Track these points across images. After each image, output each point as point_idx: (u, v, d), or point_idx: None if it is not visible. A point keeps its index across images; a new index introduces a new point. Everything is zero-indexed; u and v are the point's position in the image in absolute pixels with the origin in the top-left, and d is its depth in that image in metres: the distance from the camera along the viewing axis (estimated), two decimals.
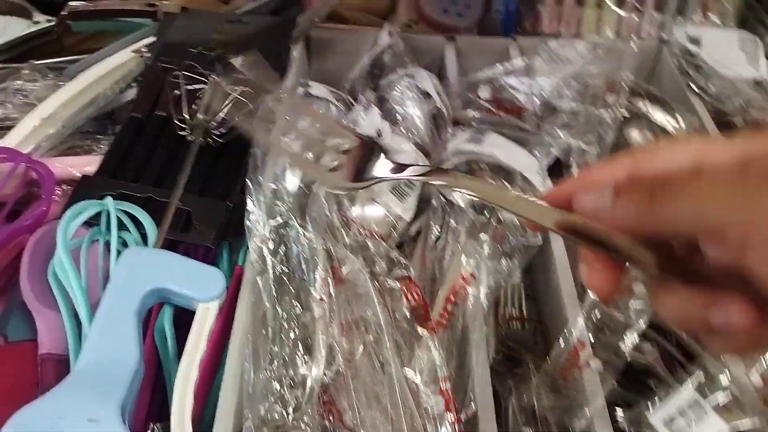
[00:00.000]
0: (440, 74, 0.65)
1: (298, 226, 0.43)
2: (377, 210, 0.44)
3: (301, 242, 0.42)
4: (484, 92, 0.49)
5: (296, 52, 0.60)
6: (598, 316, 0.39)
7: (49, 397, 0.34)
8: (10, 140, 0.51)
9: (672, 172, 0.20)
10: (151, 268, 0.40)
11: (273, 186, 0.46)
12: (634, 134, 0.47)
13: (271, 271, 0.40)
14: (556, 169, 0.47)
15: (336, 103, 0.51)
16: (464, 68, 0.62)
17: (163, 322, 0.42)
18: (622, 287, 0.23)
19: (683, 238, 0.21)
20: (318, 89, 0.52)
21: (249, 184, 0.44)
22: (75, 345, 0.42)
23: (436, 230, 0.45)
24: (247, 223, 0.42)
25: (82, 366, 0.36)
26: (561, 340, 0.39)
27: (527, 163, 0.44)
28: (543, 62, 0.52)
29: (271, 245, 0.41)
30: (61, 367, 0.42)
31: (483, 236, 0.42)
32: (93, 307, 0.44)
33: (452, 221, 0.44)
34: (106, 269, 0.46)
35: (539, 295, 0.47)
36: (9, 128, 0.56)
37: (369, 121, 0.45)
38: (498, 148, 0.44)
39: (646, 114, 0.47)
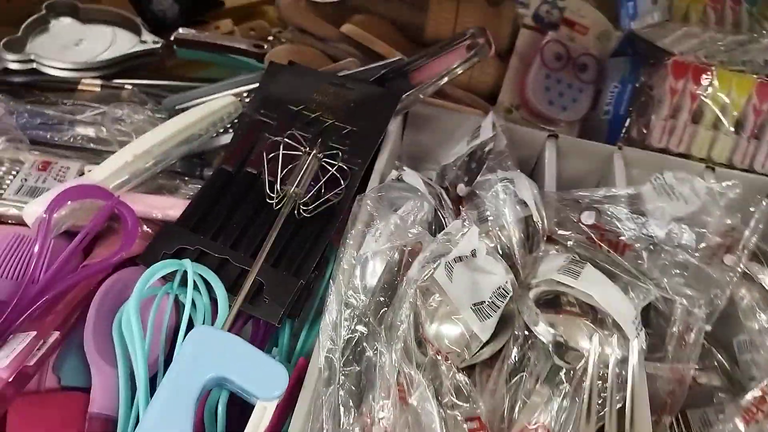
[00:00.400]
0: (534, 169, 0.63)
1: (370, 332, 0.41)
2: (454, 328, 0.42)
3: (371, 352, 0.40)
4: (589, 219, 0.46)
5: (393, 125, 0.58)
6: None
7: None
8: (101, 173, 0.51)
9: None
10: (217, 354, 0.38)
11: (356, 273, 0.44)
12: (744, 297, 0.44)
13: (336, 384, 0.38)
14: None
15: (429, 197, 0.49)
16: (562, 169, 0.59)
17: (217, 404, 0.41)
18: None
19: None
20: (412, 178, 0.50)
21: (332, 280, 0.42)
22: (126, 410, 0.41)
23: (512, 358, 0.42)
24: (324, 322, 0.41)
25: None
26: None
27: (623, 311, 0.41)
28: (653, 192, 0.49)
29: (341, 354, 0.40)
30: (108, 428, 0.41)
31: (563, 386, 0.39)
32: (151, 366, 0.43)
33: (532, 357, 0.41)
34: (171, 326, 0.46)
35: None
36: (100, 152, 0.57)
37: (467, 240, 0.43)
38: (596, 286, 0.41)
39: (760, 281, 0.43)
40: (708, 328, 0.43)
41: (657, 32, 0.64)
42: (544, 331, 0.41)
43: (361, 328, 0.41)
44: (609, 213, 0.47)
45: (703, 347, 0.45)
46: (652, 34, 0.64)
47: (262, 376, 0.38)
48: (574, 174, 0.61)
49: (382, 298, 0.43)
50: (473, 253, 0.42)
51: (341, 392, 0.40)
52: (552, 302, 0.44)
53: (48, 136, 0.57)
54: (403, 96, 0.57)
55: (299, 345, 0.48)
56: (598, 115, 0.67)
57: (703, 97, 0.61)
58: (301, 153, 0.50)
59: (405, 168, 0.52)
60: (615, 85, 0.66)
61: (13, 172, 0.52)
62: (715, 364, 0.46)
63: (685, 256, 0.43)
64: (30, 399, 0.41)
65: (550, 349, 0.41)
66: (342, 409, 0.38)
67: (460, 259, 0.43)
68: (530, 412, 0.40)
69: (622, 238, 0.46)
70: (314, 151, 0.50)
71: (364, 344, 0.42)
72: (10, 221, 0.50)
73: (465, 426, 0.37)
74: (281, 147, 0.49)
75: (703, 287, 0.43)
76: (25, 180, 0.52)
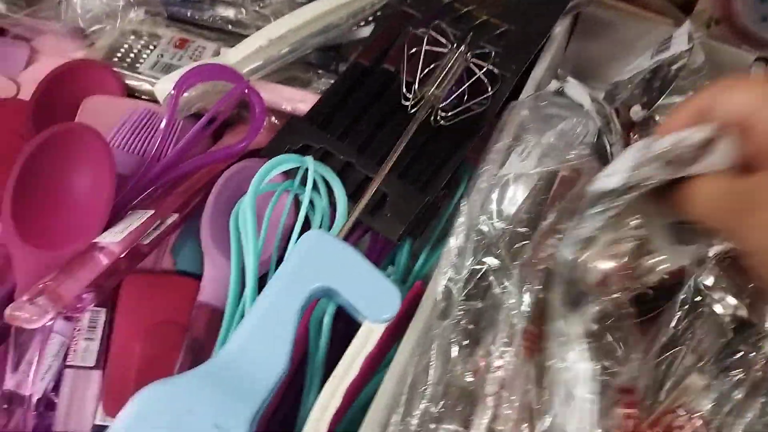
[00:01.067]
0: None
1: (502, 266, 0.35)
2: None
3: (499, 289, 0.34)
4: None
5: (560, 28, 0.49)
6: None
7: (184, 382, 0.31)
8: (234, 56, 0.48)
9: None
10: (329, 263, 0.35)
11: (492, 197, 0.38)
12: None
13: (453, 318, 0.33)
14: None
15: (596, 117, 0.40)
16: None
17: (323, 317, 0.38)
18: None
19: None
20: (577, 91, 0.41)
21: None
22: (233, 304, 0.40)
23: (673, 324, 0.34)
24: (448, 247, 0.35)
25: (228, 354, 0.32)
26: None
27: None
28: None
29: (463, 286, 0.34)
30: (214, 318, 0.40)
31: (736, 372, 0.31)
32: (263, 264, 0.41)
33: (698, 330, 0.33)
34: (289, 224, 0.43)
35: None
36: (238, 35, 0.54)
37: None
38: None
39: None
40: None
41: None
42: (724, 302, 0.33)
43: (490, 260, 0.35)
44: None
45: None
46: None
47: (373, 295, 0.34)
48: None
49: (521, 229, 0.36)
50: None
51: (457, 328, 0.35)
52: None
53: (189, 14, 0.55)
54: None
55: (417, 266, 0.44)
56: None
57: None
58: (445, 51, 0.43)
59: (569, 78, 0.43)
60: None
61: (151, 47, 0.51)
62: None
63: None
64: (143, 277, 0.41)
65: (726, 325, 0.32)
66: (456, 348, 0.34)
67: None
68: (685, 395, 0.32)
69: None
70: (461, 50, 0.43)
71: (491, 279, 0.36)
72: (144, 96, 0.49)
73: (617, 399, 0.30)
74: (424, 42, 0.42)
75: None
76: (161, 56, 0.50)
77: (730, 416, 0.31)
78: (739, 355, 0.32)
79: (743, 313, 0.32)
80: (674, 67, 0.44)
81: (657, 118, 0.42)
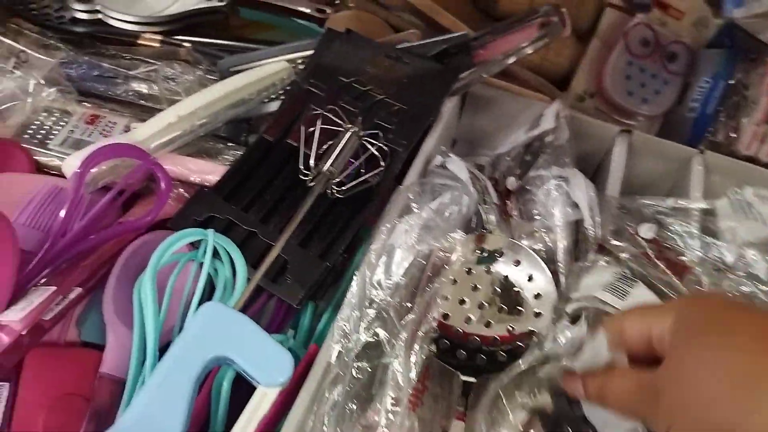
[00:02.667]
0: (599, 167, 0.57)
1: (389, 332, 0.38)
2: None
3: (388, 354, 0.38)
4: (648, 232, 0.41)
5: (449, 105, 0.54)
6: None
7: None
8: (143, 132, 0.50)
9: None
10: (224, 333, 0.37)
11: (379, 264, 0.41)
12: None
13: (345, 382, 0.36)
14: None
15: (471, 190, 0.45)
16: (631, 169, 0.54)
17: (222, 381, 0.40)
18: None
19: None
20: (456, 166, 0.46)
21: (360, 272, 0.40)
22: (135, 375, 0.41)
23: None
24: (340, 314, 0.39)
25: (127, 422, 0.34)
26: None
27: None
28: (729, 209, 0.43)
29: (354, 351, 0.37)
30: (116, 388, 0.41)
31: None
32: (167, 333, 0.43)
33: None
34: (193, 293, 0.45)
35: None
36: (150, 109, 0.57)
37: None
38: None
39: None
40: None
41: (762, 24, 0.56)
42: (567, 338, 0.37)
43: (380, 330, 0.38)
44: (673, 228, 0.42)
45: None
46: (756, 26, 0.56)
47: (266, 362, 0.37)
48: (645, 176, 0.55)
49: (405, 303, 0.40)
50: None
51: (348, 390, 0.38)
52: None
53: (102, 89, 0.57)
54: (462, 74, 0.53)
55: (320, 327, 0.46)
56: (682, 112, 0.60)
57: None
58: (341, 129, 0.47)
59: (450, 154, 0.48)
60: (706, 80, 0.58)
61: (62, 123, 0.53)
62: None
63: (752, 288, 0.38)
64: (46, 350, 0.42)
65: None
66: (345, 409, 0.36)
67: None
68: None
69: (683, 258, 0.40)
70: (354, 129, 0.47)
71: (383, 342, 0.40)
72: (53, 172, 0.51)
73: None
74: (318, 121, 0.47)
75: None
76: (72, 132, 0.52)
77: None
78: None
79: None
80: (544, 141, 0.50)
81: (528, 187, 0.47)
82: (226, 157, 0.54)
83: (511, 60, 0.55)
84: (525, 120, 0.56)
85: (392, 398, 0.37)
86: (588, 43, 0.63)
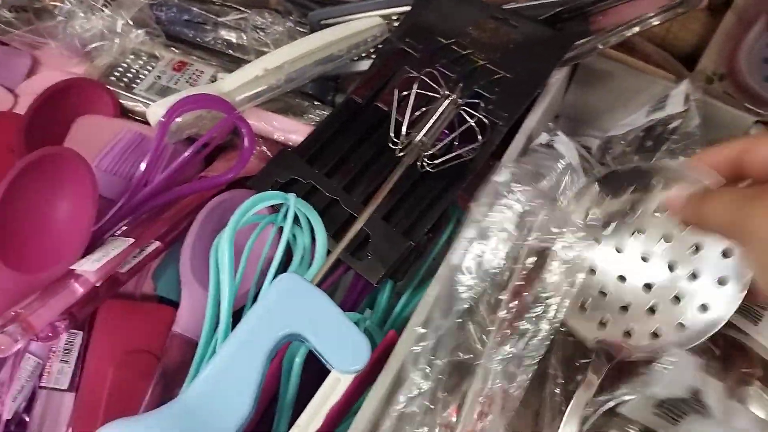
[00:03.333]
0: None
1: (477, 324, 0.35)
2: None
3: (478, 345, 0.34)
4: None
5: (557, 77, 0.49)
6: None
7: (148, 422, 0.31)
8: (229, 84, 0.48)
9: None
10: (300, 309, 0.34)
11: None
12: None
13: (423, 372, 0.33)
14: None
15: (577, 171, 0.40)
16: None
17: (295, 357, 0.38)
18: None
19: None
20: (565, 147, 0.41)
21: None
22: (207, 338, 0.39)
23: None
24: (425, 298, 0.35)
25: (194, 395, 0.32)
26: None
27: None
28: None
29: (436, 340, 0.34)
30: (188, 349, 0.40)
31: None
32: (240, 298, 0.41)
33: None
34: (269, 259, 0.43)
35: None
36: (237, 59, 0.55)
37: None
38: None
39: None
40: None
41: None
42: None
43: (469, 322, 0.35)
44: None
45: None
46: None
47: (342, 346, 0.34)
48: None
49: (498, 294, 0.36)
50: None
51: (428, 383, 0.34)
52: None
53: (191, 35, 0.55)
54: (576, 43, 0.47)
55: (398, 309, 0.44)
56: None
57: None
58: (438, 96, 0.43)
59: (559, 132, 0.43)
60: None
61: (149, 68, 0.51)
62: None
63: None
64: (120, 303, 0.41)
65: None
66: (425, 402, 0.33)
67: None
68: None
69: None
70: (452, 96, 0.43)
71: (472, 332, 0.36)
72: (138, 118, 0.49)
73: None
74: (414, 86, 0.42)
75: None
76: (159, 78, 0.51)
77: None
78: None
79: None
80: (670, 126, 0.44)
81: None
82: (311, 116, 0.52)
83: (635, 30, 0.48)
84: (643, 100, 0.49)
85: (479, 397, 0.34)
86: (722, 17, 0.56)
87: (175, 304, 0.42)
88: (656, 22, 0.48)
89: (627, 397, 0.31)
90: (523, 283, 0.35)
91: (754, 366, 0.34)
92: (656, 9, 0.47)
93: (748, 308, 0.33)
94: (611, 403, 0.32)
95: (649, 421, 0.31)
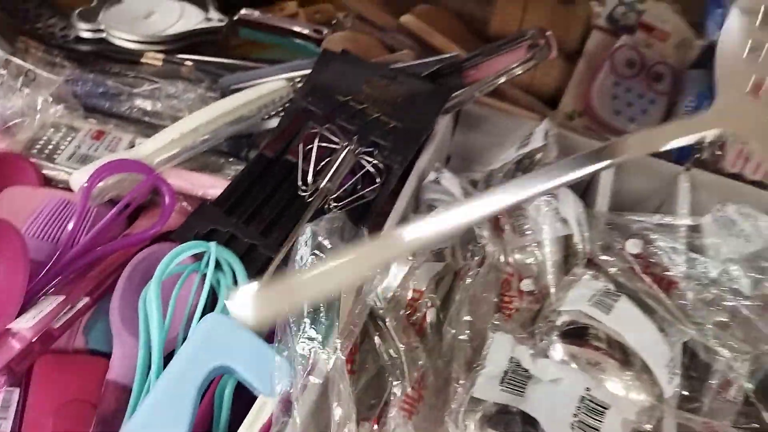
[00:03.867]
0: (589, 185, 0.60)
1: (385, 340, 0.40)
2: None
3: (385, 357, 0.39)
4: (634, 248, 0.43)
5: (442, 123, 0.56)
6: None
7: None
8: (147, 148, 0.52)
9: None
10: (225, 343, 0.39)
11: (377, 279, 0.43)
12: None
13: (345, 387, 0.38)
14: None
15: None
16: (620, 187, 0.56)
17: (224, 390, 0.42)
18: None
19: None
20: (449, 182, 0.48)
21: None
22: (140, 382, 0.42)
23: None
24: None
25: (131, 429, 0.35)
26: None
27: (657, 353, 0.38)
28: (713, 226, 0.45)
29: (352, 356, 0.39)
30: (123, 395, 0.42)
31: None
32: (170, 342, 0.45)
33: None
34: (196, 304, 0.47)
35: None
36: (154, 125, 0.59)
37: None
38: (628, 325, 0.38)
39: None
40: (751, 386, 0.39)
41: None
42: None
43: (376, 339, 0.40)
44: (659, 244, 0.43)
45: (750, 405, 0.41)
46: None
47: (266, 371, 0.39)
48: (634, 193, 0.57)
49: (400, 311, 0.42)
50: None
51: (348, 395, 0.39)
52: (578, 333, 0.42)
53: (106, 106, 0.59)
54: (455, 93, 0.55)
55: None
56: None
57: None
58: (337, 147, 0.50)
59: (444, 170, 0.50)
60: (690, 100, 0.61)
61: (68, 139, 0.55)
62: (757, 425, 0.42)
63: (736, 303, 0.40)
64: (55, 357, 0.43)
65: None
66: (343, 413, 0.38)
67: None
68: None
69: (669, 273, 0.42)
70: (351, 146, 0.49)
71: (380, 349, 0.41)
72: (61, 186, 0.53)
73: None
74: (316, 139, 0.49)
75: (752, 341, 0.39)
76: (78, 147, 0.54)
77: None
78: None
79: None
80: (534, 159, 0.52)
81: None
82: (228, 172, 0.56)
83: (502, 80, 0.57)
84: (516, 137, 0.58)
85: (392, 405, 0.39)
86: (576, 63, 0.66)
87: (107, 356, 0.45)
88: (519, 72, 0.56)
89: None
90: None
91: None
92: (517, 61, 0.56)
93: (602, 301, 0.41)
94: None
95: (501, 399, 0.36)
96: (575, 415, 0.33)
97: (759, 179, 0.57)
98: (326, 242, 0.39)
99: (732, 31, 0.39)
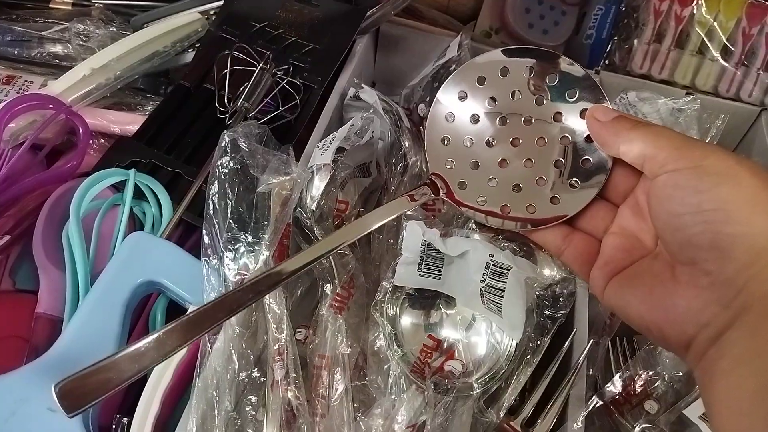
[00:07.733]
0: None
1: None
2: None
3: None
4: None
5: (361, 44, 0.57)
6: None
7: (18, 376, 0.34)
8: (58, 86, 0.51)
9: None
10: (151, 259, 0.39)
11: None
12: None
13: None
14: None
15: (383, 114, 0.48)
16: None
17: (156, 311, 0.42)
18: None
19: None
20: (368, 95, 0.49)
21: None
22: (71, 312, 0.42)
23: None
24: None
25: (59, 350, 0.36)
26: None
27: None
28: None
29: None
30: (54, 328, 0.42)
31: None
32: (97, 275, 0.44)
33: None
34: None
35: None
36: (66, 68, 0.57)
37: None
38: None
39: None
40: None
41: None
42: None
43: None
44: None
45: None
46: None
47: (196, 281, 0.39)
48: None
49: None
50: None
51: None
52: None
53: (15, 52, 0.57)
54: (369, 12, 0.55)
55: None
56: (580, 40, 0.64)
57: (688, 20, 0.58)
58: (254, 69, 0.49)
59: (363, 86, 0.50)
60: (599, 8, 0.62)
61: None
62: None
63: None
64: None
65: None
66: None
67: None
68: None
69: None
70: (267, 67, 0.49)
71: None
72: None
73: None
74: (229, 62, 0.48)
75: None
76: None
77: None
78: None
79: None
80: (450, 69, 0.53)
81: None
82: (146, 109, 0.55)
83: None
84: (435, 56, 0.59)
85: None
86: None
87: (35, 294, 0.44)
88: None
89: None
90: None
91: None
92: None
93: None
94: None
95: (422, 284, 0.38)
96: (482, 281, 0.35)
97: (666, 78, 0.60)
98: (244, 144, 0.39)
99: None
